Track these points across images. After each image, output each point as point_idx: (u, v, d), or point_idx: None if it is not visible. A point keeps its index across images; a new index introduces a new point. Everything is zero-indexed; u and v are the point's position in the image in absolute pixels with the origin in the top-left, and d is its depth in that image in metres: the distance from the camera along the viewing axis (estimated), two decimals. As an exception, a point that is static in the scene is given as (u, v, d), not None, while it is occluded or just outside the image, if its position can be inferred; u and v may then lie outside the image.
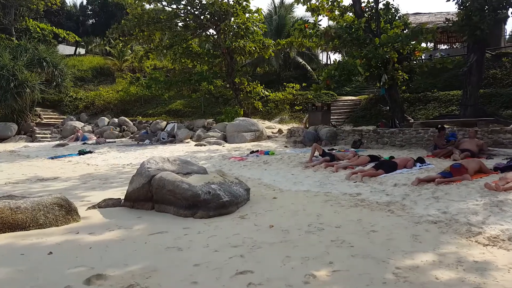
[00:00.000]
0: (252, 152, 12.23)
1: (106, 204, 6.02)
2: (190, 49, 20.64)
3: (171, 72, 25.12)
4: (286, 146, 14.38)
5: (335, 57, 35.42)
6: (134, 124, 23.81)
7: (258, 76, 28.19)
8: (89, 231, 4.65)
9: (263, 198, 6.51)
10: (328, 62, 32.08)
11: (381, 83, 13.52)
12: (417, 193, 6.07)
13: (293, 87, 22.83)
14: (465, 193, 5.69)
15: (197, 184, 5.55)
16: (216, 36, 20.57)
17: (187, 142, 17.50)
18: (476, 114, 11.94)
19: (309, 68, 26.59)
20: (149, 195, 5.76)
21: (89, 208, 5.92)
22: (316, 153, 9.91)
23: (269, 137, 18.06)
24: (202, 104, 25.50)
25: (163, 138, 18.27)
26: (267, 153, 11.67)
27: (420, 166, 7.92)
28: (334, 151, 10.92)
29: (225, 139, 17.56)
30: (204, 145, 15.78)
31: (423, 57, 17.80)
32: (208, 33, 21.23)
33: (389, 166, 7.73)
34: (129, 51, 35.43)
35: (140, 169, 6.10)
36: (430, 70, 14.80)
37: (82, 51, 44.43)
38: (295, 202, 6.18)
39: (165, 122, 21.49)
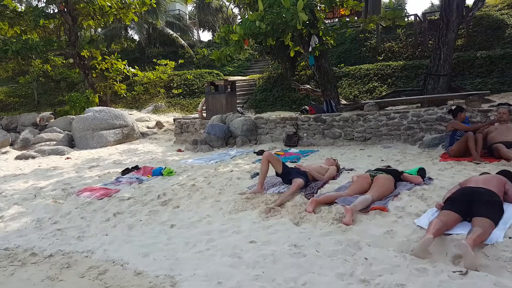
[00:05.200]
0: (127, 171, 6.63)
1: None
2: (4, 4, 12.94)
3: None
4: (180, 150, 9.07)
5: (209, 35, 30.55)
6: None
7: (114, 54, 21.52)
8: None
9: None
10: (201, 39, 27.04)
11: (310, 48, 9.38)
12: None
13: (166, 65, 17.23)
14: None
15: None
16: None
17: (5, 153, 10.46)
18: (450, 87, 8.86)
19: (183, 42, 21.10)
20: None
21: None
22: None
23: (144, 135, 12.32)
24: (35, 92, 17.67)
25: (-44, 149, 10.70)
26: (157, 172, 6.23)
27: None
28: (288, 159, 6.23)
29: (71, 142, 11.13)
30: (33, 157, 9.23)
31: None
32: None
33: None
34: None
35: None
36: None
37: None
38: None
39: (-34, 121, 13.42)
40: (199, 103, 15.96)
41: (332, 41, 10.24)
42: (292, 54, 11.16)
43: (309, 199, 4.30)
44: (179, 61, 19.21)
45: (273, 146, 8.39)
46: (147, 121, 13.96)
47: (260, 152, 7.64)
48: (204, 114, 11.03)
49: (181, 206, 4.61)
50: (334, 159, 5.50)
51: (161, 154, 8.76)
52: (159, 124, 13.18)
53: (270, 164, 4.82)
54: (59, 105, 16.35)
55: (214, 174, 6.07)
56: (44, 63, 17.18)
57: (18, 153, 10.23)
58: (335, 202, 4.02)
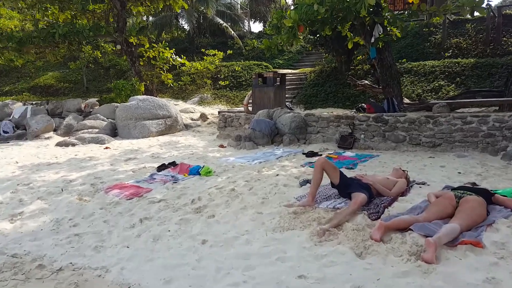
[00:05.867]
0: (163, 167, 6.05)
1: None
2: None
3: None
4: (222, 146, 8.42)
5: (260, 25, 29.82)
6: (-30, 108, 15.34)
7: (162, 42, 21.38)
8: None
9: None
10: (252, 30, 26.32)
11: (372, 39, 8.30)
12: None
13: (214, 55, 16.71)
14: None
15: None
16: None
17: (48, 138, 10.42)
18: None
19: (232, 32, 20.50)
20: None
21: None
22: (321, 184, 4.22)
23: (187, 127, 11.86)
24: (85, 78, 17.92)
25: (5, 132, 10.83)
26: (195, 171, 5.58)
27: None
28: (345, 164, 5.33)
29: (114, 131, 10.89)
30: (73, 145, 9.00)
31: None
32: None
33: None
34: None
35: None
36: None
37: None
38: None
39: (20, 104, 13.73)
40: (245, 96, 15.31)
41: (397, 33, 9.06)
42: (350, 46, 10.06)
43: (373, 220, 3.42)
44: (228, 51, 18.64)
45: (325, 147, 7.47)
46: (192, 112, 13.51)
47: (310, 154, 6.77)
48: (250, 108, 10.31)
49: (217, 216, 3.90)
50: (403, 170, 4.52)
51: (202, 149, 8.15)
52: (203, 116, 12.67)
53: (324, 172, 3.97)
54: (107, 92, 16.41)
55: (257, 177, 5.31)
56: (95, 50, 17.32)
57: (60, 139, 10.12)
58: (410, 229, 3.10)
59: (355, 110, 9.64)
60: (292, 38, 7.40)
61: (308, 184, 4.55)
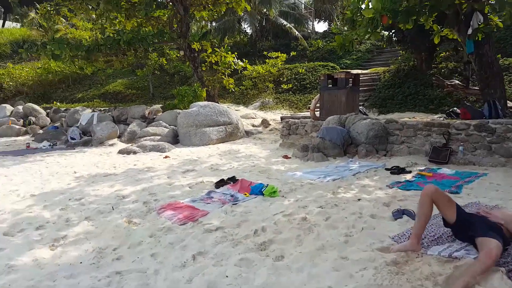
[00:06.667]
0: (221, 183, 5.32)
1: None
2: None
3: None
4: (286, 157, 7.53)
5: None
6: (48, 114, 16.21)
7: (224, 46, 21.14)
8: None
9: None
10: (316, 30, 25.16)
11: (469, 31, 6.91)
12: None
13: (277, 57, 15.93)
14: None
15: None
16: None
17: (111, 145, 10.35)
18: None
19: (296, 33, 19.59)
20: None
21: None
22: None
23: (248, 134, 11.19)
24: (151, 85, 18.17)
25: (73, 138, 10.99)
26: (257, 190, 4.76)
27: None
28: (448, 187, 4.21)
29: (176, 137, 10.54)
30: (134, 153, 8.71)
31: None
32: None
33: None
34: (63, 19, 27.19)
35: None
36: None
37: (18, 26, 35.04)
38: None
39: (88, 110, 14.11)
40: (310, 100, 14.32)
41: (498, 22, 7.53)
42: (436, 41, 8.65)
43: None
44: (291, 53, 17.77)
45: (412, 161, 6.25)
46: (253, 118, 12.84)
47: (396, 171, 5.64)
48: (317, 114, 9.32)
49: (286, 258, 3.02)
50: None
51: (264, 160, 7.34)
52: (264, 123, 11.92)
53: (434, 206, 2.90)
54: (171, 98, 16.40)
55: (333, 201, 4.34)
56: (160, 57, 17.46)
57: (124, 146, 9.97)
58: None
59: (444, 116, 8.24)
60: (371, 31, 6.33)
61: (405, 217, 3.50)
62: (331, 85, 8.89)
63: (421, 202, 2.89)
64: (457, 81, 9.00)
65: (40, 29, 27.93)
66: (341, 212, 3.96)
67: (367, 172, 5.86)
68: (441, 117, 8.49)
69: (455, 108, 7.62)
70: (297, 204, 4.29)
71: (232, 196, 4.74)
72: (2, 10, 36.42)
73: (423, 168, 5.74)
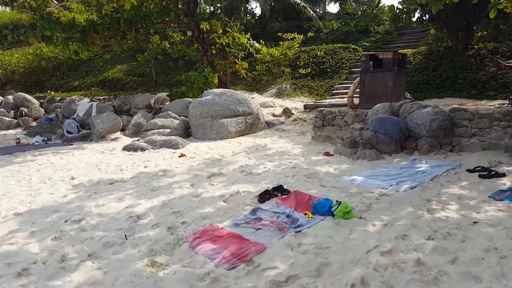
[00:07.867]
0: (266, 195, 4.04)
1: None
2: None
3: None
4: (328, 154, 6.21)
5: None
6: (41, 104, 14.79)
7: (237, 25, 19.70)
8: None
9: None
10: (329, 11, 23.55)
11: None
12: None
13: (293, 39, 14.49)
14: None
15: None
16: None
17: (114, 140, 9.01)
18: None
19: (312, 13, 18.05)
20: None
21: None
22: None
23: (269, 125, 9.85)
24: (153, 71, 16.72)
25: (69, 132, 9.64)
26: (323, 209, 3.48)
27: None
28: None
29: (187, 130, 9.22)
30: (142, 150, 7.39)
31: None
32: None
33: None
34: (55, 1, 25.48)
35: None
36: None
37: (7, 10, 33.21)
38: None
39: (86, 100, 12.71)
40: (332, 86, 12.97)
41: None
42: (492, 15, 7.25)
43: None
44: (308, 34, 16.31)
45: (493, 160, 4.98)
46: (272, 106, 11.49)
47: (486, 173, 4.36)
48: (356, 101, 7.99)
49: None
50: None
51: (303, 159, 6.04)
52: (286, 112, 10.58)
53: None
54: (176, 85, 14.99)
55: (438, 226, 3.08)
56: (163, 40, 15.98)
57: (128, 140, 8.66)
58: None
59: (508, 102, 6.94)
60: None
61: None
62: (375, 64, 7.52)
63: None
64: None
65: (31, 12, 26.27)
66: (465, 246, 2.70)
67: (446, 175, 4.58)
68: (502, 104, 7.21)
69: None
70: (390, 232, 3.02)
71: (288, 217, 3.46)
72: (-9, -6, 34.48)
73: (507, 166, 4.47)
